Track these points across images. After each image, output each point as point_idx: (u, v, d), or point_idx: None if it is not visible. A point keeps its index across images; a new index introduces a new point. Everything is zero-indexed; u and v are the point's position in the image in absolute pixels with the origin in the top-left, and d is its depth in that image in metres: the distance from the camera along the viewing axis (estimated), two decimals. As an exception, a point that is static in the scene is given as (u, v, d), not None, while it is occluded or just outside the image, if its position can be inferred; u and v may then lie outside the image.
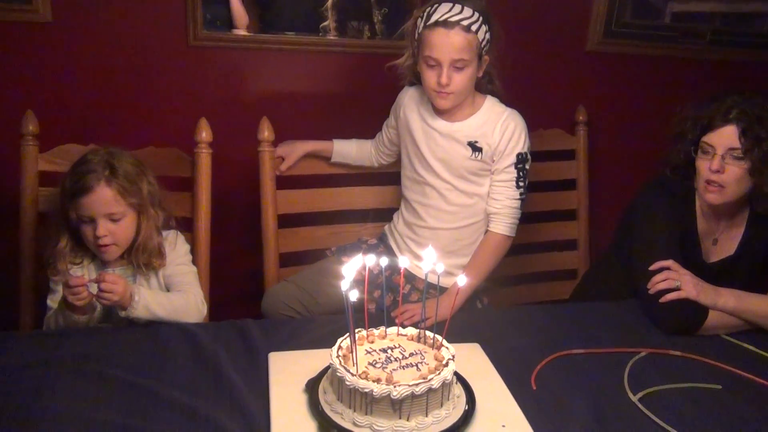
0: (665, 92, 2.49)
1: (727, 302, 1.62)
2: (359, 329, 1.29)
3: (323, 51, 2.24)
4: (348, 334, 1.24)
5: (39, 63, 2.01)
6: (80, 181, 1.53)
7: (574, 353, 1.51)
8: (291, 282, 1.94)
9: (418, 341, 1.31)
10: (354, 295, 1.18)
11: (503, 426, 1.21)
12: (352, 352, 1.20)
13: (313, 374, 1.29)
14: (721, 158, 1.63)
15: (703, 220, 1.78)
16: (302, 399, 1.24)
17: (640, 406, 1.31)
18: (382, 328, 1.33)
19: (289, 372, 1.32)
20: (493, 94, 1.88)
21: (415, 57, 1.82)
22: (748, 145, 1.60)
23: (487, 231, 1.86)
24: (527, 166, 1.84)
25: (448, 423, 1.18)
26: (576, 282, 2.26)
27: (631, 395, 1.35)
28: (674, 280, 1.63)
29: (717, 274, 1.72)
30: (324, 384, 1.26)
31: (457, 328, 1.42)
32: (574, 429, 1.23)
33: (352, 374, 1.15)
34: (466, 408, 1.23)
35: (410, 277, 1.91)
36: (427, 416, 1.16)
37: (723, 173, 1.63)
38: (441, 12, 1.70)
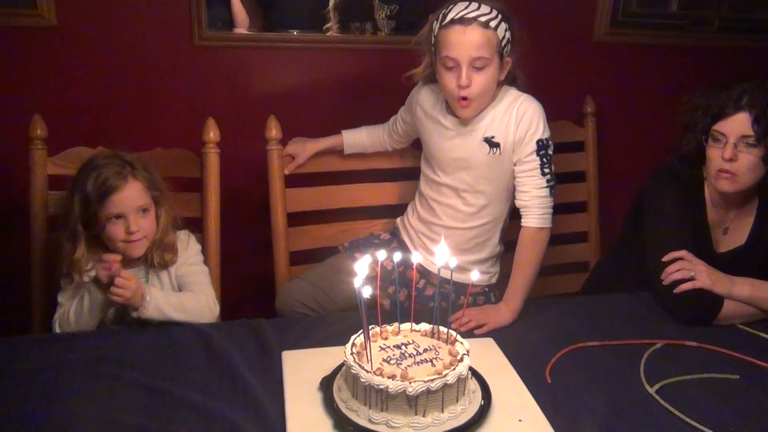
0: (674, 81, 2.47)
1: (742, 291, 1.61)
2: (372, 326, 1.29)
3: (328, 48, 2.23)
4: (361, 330, 1.23)
5: (45, 67, 2.01)
6: (108, 181, 1.55)
7: (588, 346, 1.50)
8: (304, 279, 1.93)
9: (432, 337, 1.30)
10: (367, 292, 1.17)
11: (520, 420, 1.21)
12: (366, 348, 1.20)
13: (327, 372, 1.29)
14: (733, 146, 1.61)
15: (713, 209, 1.76)
16: (317, 397, 1.24)
17: (657, 397, 1.30)
18: (396, 324, 1.32)
19: (303, 370, 1.32)
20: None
21: (432, 66, 1.77)
22: (762, 132, 1.58)
23: (521, 227, 1.76)
24: (550, 152, 1.75)
25: (465, 418, 1.17)
26: (587, 274, 2.25)
27: (647, 387, 1.34)
28: (688, 271, 1.62)
29: (728, 264, 1.70)
30: (338, 381, 1.25)
31: (470, 323, 1.41)
32: (590, 422, 1.23)
33: (367, 371, 1.14)
34: (482, 403, 1.22)
35: (425, 272, 1.89)
36: (443, 412, 1.15)
37: (736, 161, 1.61)
38: (457, 10, 1.65)
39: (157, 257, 1.64)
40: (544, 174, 1.74)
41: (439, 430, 1.14)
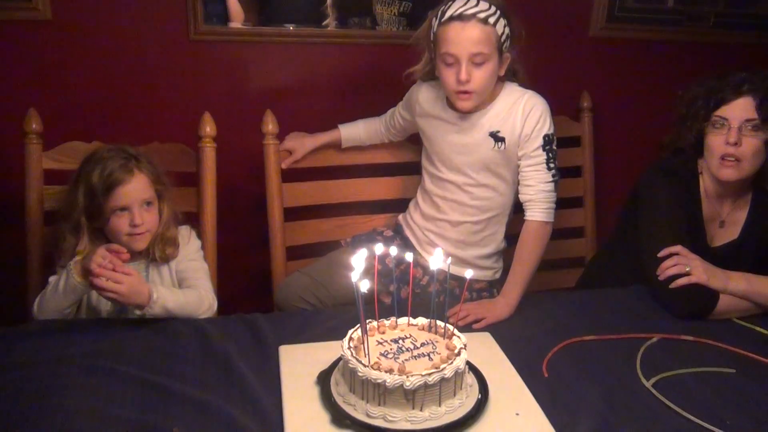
0: (670, 76, 2.47)
1: (737, 286, 1.61)
2: (370, 320, 1.29)
3: (325, 43, 2.23)
4: (359, 325, 1.23)
5: (40, 61, 2.00)
6: (115, 173, 1.56)
7: (585, 340, 1.51)
8: (305, 273, 1.93)
9: (429, 331, 1.30)
10: (365, 286, 1.17)
11: (517, 414, 1.21)
12: (363, 343, 1.20)
13: (325, 366, 1.29)
14: (737, 131, 1.61)
15: (708, 203, 1.77)
16: (314, 391, 1.24)
17: (653, 391, 1.31)
18: (393, 319, 1.32)
19: (300, 364, 1.32)
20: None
21: (432, 62, 1.77)
22: (766, 114, 1.58)
23: (524, 221, 1.77)
24: (555, 147, 1.77)
25: (462, 412, 1.17)
26: (583, 269, 2.25)
27: (644, 381, 1.35)
28: (684, 266, 1.62)
29: (722, 258, 1.71)
30: (336, 376, 1.25)
31: (467, 317, 1.41)
32: (587, 415, 1.23)
33: (365, 365, 1.14)
34: (479, 397, 1.22)
35: (429, 268, 1.89)
36: (440, 406, 1.15)
37: (740, 146, 1.62)
38: (455, 7, 1.65)
39: (159, 251, 1.65)
40: (549, 168, 1.75)
41: (437, 424, 1.14)
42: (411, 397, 1.13)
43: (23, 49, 1.98)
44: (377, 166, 2.17)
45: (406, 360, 1.19)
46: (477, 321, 1.58)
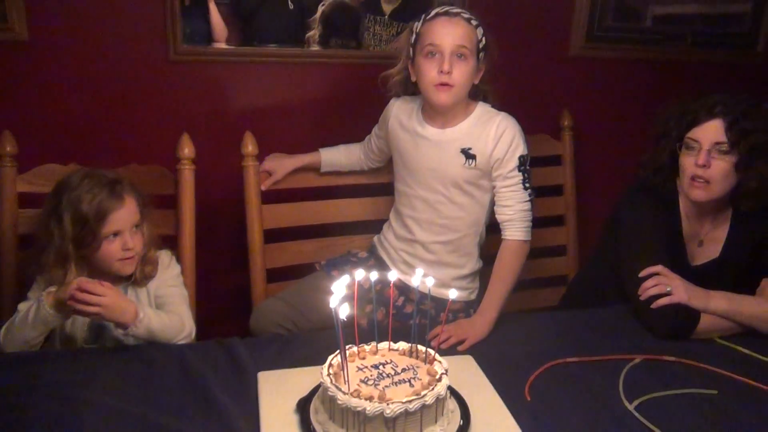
0: (649, 95, 2.49)
1: (718, 305, 1.61)
2: (350, 345, 1.27)
3: (307, 62, 2.22)
4: (338, 351, 1.21)
5: (15, 82, 1.97)
6: (106, 200, 1.54)
7: (567, 362, 1.50)
8: (279, 298, 1.91)
9: (410, 356, 1.29)
10: (344, 312, 1.16)
11: (499, 440, 1.19)
12: (343, 369, 1.18)
13: (304, 393, 1.27)
14: (707, 153, 1.62)
15: (687, 222, 1.77)
16: (293, 419, 1.22)
17: (636, 414, 1.30)
18: (373, 344, 1.30)
19: (279, 392, 1.30)
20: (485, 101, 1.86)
21: (408, 69, 1.81)
22: (735, 139, 1.60)
23: (503, 240, 1.78)
24: (529, 167, 1.79)
25: (443, 439, 1.15)
26: (565, 288, 2.25)
27: (626, 403, 1.34)
28: (665, 286, 1.62)
29: (703, 277, 1.71)
30: (315, 403, 1.23)
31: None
32: (570, 441, 1.22)
33: (344, 392, 1.12)
34: (461, 423, 1.20)
35: (404, 288, 1.88)
36: (421, 433, 1.13)
37: (709, 168, 1.63)
38: (441, 7, 1.74)
39: (139, 272, 1.64)
40: (526, 188, 1.78)
41: (418, 451, 1.12)
42: (392, 425, 1.11)
43: (-2, 70, 1.95)
44: (358, 187, 2.16)
45: (386, 386, 1.17)
46: (459, 343, 1.57)
